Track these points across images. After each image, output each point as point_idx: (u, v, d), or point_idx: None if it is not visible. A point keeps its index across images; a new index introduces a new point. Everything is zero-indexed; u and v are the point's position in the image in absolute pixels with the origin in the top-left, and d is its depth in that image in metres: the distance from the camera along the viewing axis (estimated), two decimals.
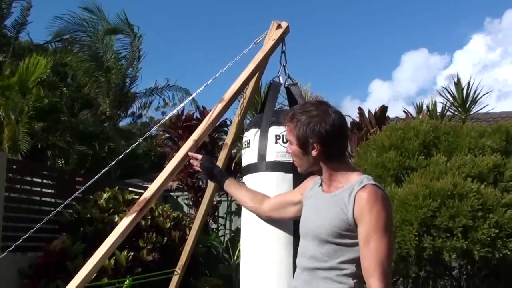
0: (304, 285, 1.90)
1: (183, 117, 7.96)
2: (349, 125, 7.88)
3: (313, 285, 1.86)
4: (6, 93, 8.66)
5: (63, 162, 10.99)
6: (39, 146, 10.18)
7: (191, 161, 2.48)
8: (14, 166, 6.00)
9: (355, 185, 1.83)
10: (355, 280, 1.82)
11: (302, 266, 1.94)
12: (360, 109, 7.72)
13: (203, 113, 7.78)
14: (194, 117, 8.03)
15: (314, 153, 1.89)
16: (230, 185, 2.37)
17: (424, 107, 8.03)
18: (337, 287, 1.81)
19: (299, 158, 1.97)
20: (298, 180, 2.24)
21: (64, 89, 10.98)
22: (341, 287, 1.81)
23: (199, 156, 2.46)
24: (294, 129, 1.91)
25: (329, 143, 1.88)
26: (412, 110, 8.27)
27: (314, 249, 1.88)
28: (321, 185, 2.00)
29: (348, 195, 1.82)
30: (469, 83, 7.79)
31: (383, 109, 7.57)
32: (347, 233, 1.81)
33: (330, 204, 1.88)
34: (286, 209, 2.17)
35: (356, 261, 1.81)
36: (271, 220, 2.25)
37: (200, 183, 7.84)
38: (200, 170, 2.48)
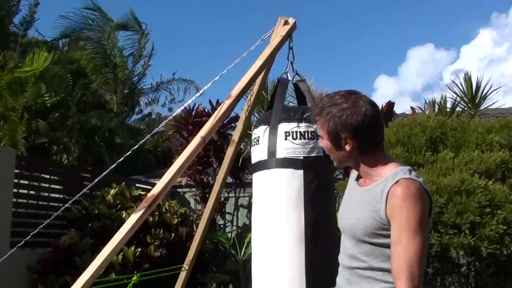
0: (346, 284, 1.84)
1: (194, 112, 7.93)
2: None
3: (356, 284, 1.79)
4: (4, 92, 8.65)
5: (69, 158, 11.04)
6: (44, 142, 10.21)
7: None
8: (23, 163, 6.04)
9: (388, 179, 1.72)
10: None
11: (343, 264, 1.88)
12: None
13: (215, 108, 7.74)
14: (206, 111, 7.98)
15: (347, 147, 1.79)
16: None
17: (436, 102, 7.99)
18: (382, 286, 1.73)
19: (332, 153, 1.86)
20: (308, 176, 2.24)
21: (71, 84, 10.98)
22: (385, 286, 1.72)
23: None
24: (324, 123, 1.80)
25: (362, 136, 1.77)
26: (422, 106, 8.24)
27: (352, 247, 1.81)
28: (357, 178, 1.91)
29: (381, 191, 1.72)
30: (477, 79, 7.76)
31: (390, 105, 7.54)
32: (383, 232, 1.71)
33: (363, 200, 1.79)
34: None
35: None
36: (282, 217, 2.24)
37: (208, 179, 7.85)
38: None
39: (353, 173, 1.97)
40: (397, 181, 1.68)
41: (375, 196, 1.73)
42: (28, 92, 8.82)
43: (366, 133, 1.77)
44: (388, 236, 1.69)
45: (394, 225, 1.67)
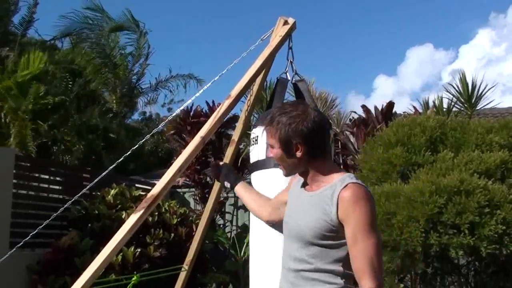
0: (290, 287, 1.88)
1: (192, 113, 7.95)
2: (355, 121, 7.88)
3: (300, 286, 1.85)
4: (7, 93, 8.66)
5: (69, 158, 11.05)
6: (46, 142, 10.22)
7: (212, 169, 2.57)
8: (22, 163, 6.04)
9: (337, 185, 1.81)
10: (343, 280, 1.81)
11: (287, 267, 1.92)
12: (364, 106, 7.70)
13: (212, 108, 7.77)
14: (203, 111, 8.00)
15: (298, 153, 1.86)
16: (239, 190, 2.37)
17: (430, 103, 8.00)
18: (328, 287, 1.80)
19: (283, 161, 1.93)
20: None
21: (70, 84, 10.99)
22: (331, 287, 1.80)
23: (220, 163, 2.56)
24: (276, 132, 1.88)
25: (312, 141, 1.86)
26: (418, 106, 8.24)
27: (299, 250, 1.86)
28: (304, 185, 1.97)
29: (331, 195, 1.80)
30: (473, 78, 7.78)
31: (390, 104, 7.54)
32: (331, 234, 1.79)
33: (312, 204, 1.86)
34: (281, 210, 2.11)
35: (343, 261, 1.80)
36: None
37: (208, 179, 7.85)
38: (214, 176, 2.55)
39: (296, 179, 2.04)
40: (346, 186, 1.78)
41: (325, 199, 1.81)
42: (31, 94, 8.83)
43: (315, 139, 1.86)
44: (336, 238, 1.78)
45: (348, 227, 1.75)
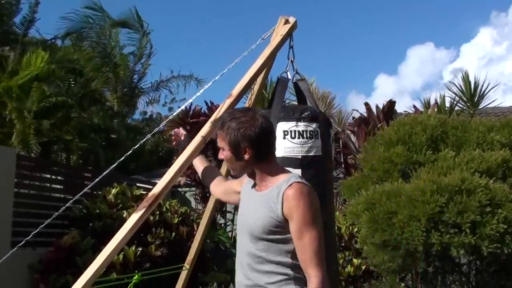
0: (246, 280, 2.03)
1: (191, 112, 7.96)
2: (357, 120, 7.88)
3: (256, 279, 1.99)
4: (7, 94, 8.67)
5: (71, 157, 11.08)
6: (48, 141, 10.25)
7: (173, 138, 2.76)
8: (24, 162, 6.04)
9: (282, 184, 1.96)
10: (293, 271, 1.96)
11: (241, 262, 2.07)
12: (367, 104, 7.71)
13: (211, 108, 7.78)
14: (202, 111, 8.02)
15: (246, 156, 2.01)
16: (197, 161, 2.58)
17: (432, 101, 8.00)
18: (278, 278, 1.95)
19: (232, 163, 2.07)
20: (306, 175, 2.25)
21: (72, 83, 11.01)
22: (281, 277, 1.95)
23: (183, 131, 2.75)
24: (226, 136, 2.02)
25: (259, 145, 2.01)
26: (419, 105, 8.24)
27: (250, 246, 2.01)
28: (254, 185, 2.12)
29: (277, 194, 1.95)
30: (475, 78, 7.77)
31: (391, 103, 7.54)
32: (278, 229, 1.94)
33: (260, 203, 2.01)
34: (231, 195, 2.37)
35: (291, 253, 1.95)
36: None
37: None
38: (176, 144, 2.75)
39: (245, 180, 2.19)
40: (291, 185, 1.94)
41: (272, 198, 1.97)
42: (34, 93, 8.85)
43: (262, 143, 2.02)
44: (282, 233, 1.95)
45: (293, 223, 1.92)
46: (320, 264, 1.90)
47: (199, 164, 2.59)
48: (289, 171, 2.08)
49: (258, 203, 2.02)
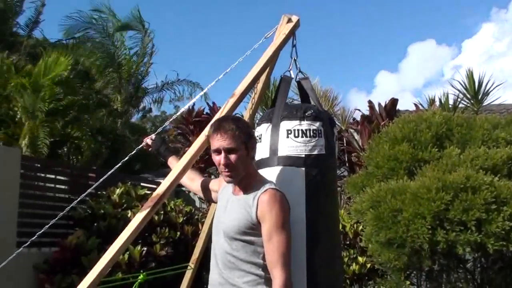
0: (221, 278, 2.12)
1: (194, 112, 7.99)
2: (359, 118, 7.87)
3: (229, 278, 2.09)
4: (22, 92, 8.72)
5: (80, 157, 11.12)
6: (58, 141, 10.30)
7: (145, 142, 2.83)
8: (28, 163, 6.05)
9: (259, 190, 2.09)
10: (264, 271, 2.06)
11: (216, 260, 2.17)
12: (370, 102, 7.69)
13: (213, 108, 7.79)
14: (204, 112, 8.07)
15: (252, 153, 2.17)
16: (172, 162, 2.67)
17: (436, 99, 7.97)
18: (250, 278, 2.06)
19: (243, 162, 2.12)
20: (310, 174, 2.25)
21: (78, 85, 11.05)
22: (253, 277, 2.06)
23: (153, 136, 2.83)
24: (236, 135, 2.09)
25: (254, 144, 2.20)
26: (420, 102, 8.21)
27: (225, 245, 2.12)
28: (232, 189, 2.22)
29: (253, 198, 2.08)
30: (479, 75, 7.74)
31: (393, 101, 7.53)
32: (251, 231, 2.07)
33: (238, 205, 2.13)
34: (208, 191, 2.54)
35: (263, 254, 2.06)
36: None
37: (212, 178, 7.86)
38: (151, 149, 2.82)
39: (222, 184, 2.30)
40: (265, 190, 2.08)
41: (248, 202, 2.09)
42: (46, 95, 8.90)
43: (255, 143, 2.23)
44: (255, 235, 2.07)
45: (265, 225, 2.04)
46: (285, 266, 2.00)
47: (175, 162, 2.63)
48: (263, 176, 2.20)
49: (237, 206, 2.13)
